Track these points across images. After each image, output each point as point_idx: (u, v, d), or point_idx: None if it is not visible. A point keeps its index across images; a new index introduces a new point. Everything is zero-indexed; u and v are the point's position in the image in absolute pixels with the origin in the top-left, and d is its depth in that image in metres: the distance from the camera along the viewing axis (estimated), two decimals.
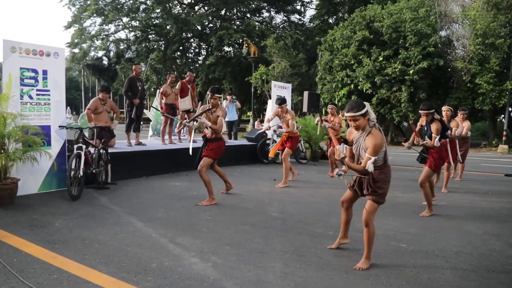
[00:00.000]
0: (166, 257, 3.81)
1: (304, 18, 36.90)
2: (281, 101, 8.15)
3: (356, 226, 4.55)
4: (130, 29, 34.78)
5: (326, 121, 9.53)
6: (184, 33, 33.13)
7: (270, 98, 13.06)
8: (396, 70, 21.07)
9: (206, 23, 33.72)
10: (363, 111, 3.58)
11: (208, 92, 6.32)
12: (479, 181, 9.39)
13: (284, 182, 7.92)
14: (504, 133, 21.08)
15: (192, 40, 35.78)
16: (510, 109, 21.40)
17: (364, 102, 3.68)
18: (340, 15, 32.99)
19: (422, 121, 6.31)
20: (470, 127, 8.98)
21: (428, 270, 3.68)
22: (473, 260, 3.97)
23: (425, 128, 6.22)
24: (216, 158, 6.26)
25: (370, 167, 3.51)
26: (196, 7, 35.28)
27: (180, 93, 10.24)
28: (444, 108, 7.77)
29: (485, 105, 20.50)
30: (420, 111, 6.11)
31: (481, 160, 15.44)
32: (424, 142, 6.04)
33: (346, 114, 3.69)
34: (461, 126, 8.41)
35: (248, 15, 35.71)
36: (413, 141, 6.27)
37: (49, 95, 6.63)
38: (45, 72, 6.55)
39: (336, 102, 23.13)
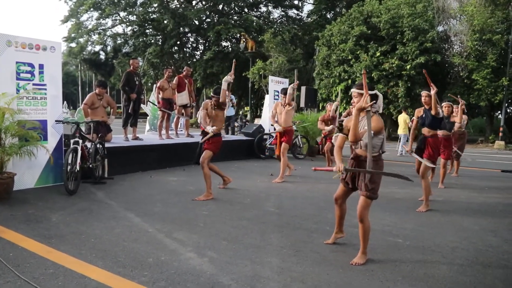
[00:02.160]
0: (162, 252, 3.81)
1: (301, 13, 36.88)
2: (286, 90, 8.29)
3: (352, 221, 4.56)
4: (127, 23, 34.69)
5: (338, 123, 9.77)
6: (181, 28, 33.06)
7: (268, 93, 13.03)
8: (394, 65, 21.08)
9: (204, 18, 33.64)
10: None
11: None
12: (475, 177, 9.42)
13: (281, 177, 7.93)
14: (501, 129, 21.15)
15: (189, 34, 35.70)
16: (506, 105, 21.46)
17: (377, 92, 3.75)
18: (338, 10, 32.97)
19: (419, 112, 6.33)
20: (467, 121, 9.02)
21: (425, 265, 3.69)
22: (469, 255, 3.98)
23: (424, 116, 6.17)
24: (216, 151, 6.40)
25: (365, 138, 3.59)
26: (194, 2, 35.19)
27: (177, 87, 10.21)
28: (444, 104, 7.76)
29: (481, 100, 20.56)
30: (422, 93, 6.16)
31: (478, 156, 15.49)
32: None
33: (352, 89, 3.83)
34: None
35: (246, 10, 35.64)
36: (413, 140, 6.39)
37: (45, 89, 6.59)
38: (41, 66, 6.51)
39: (333, 98, 23.13)
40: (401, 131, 14.75)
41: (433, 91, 5.81)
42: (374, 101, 3.63)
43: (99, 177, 7.10)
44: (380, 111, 3.81)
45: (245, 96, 35.04)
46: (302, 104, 14.55)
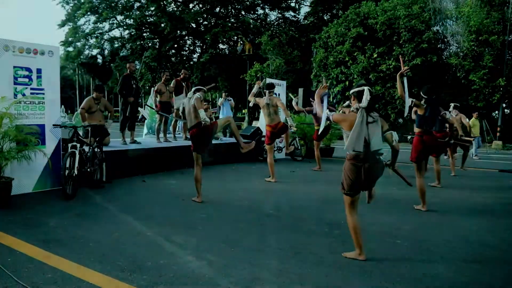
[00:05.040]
0: (161, 255, 3.81)
1: (298, 15, 36.97)
2: (269, 86, 8.28)
3: None
4: (124, 27, 34.76)
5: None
6: (178, 31, 33.13)
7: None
8: (390, 66, 21.14)
9: (201, 21, 33.72)
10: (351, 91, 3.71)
11: None
12: (473, 177, 9.44)
13: (272, 178, 8.00)
14: (498, 129, 21.20)
15: (186, 37, 35.75)
16: (504, 105, 21.51)
17: (364, 88, 3.55)
18: (335, 12, 33.05)
19: None
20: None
21: (423, 265, 3.70)
22: (467, 255, 3.99)
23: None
24: (194, 149, 5.99)
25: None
26: (191, 5, 35.22)
27: (175, 91, 10.22)
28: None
29: (479, 101, 20.63)
30: None
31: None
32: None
33: (351, 91, 3.74)
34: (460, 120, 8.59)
35: (243, 13, 35.69)
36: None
37: (43, 93, 6.59)
38: (39, 71, 6.51)
39: (331, 99, 23.20)
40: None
41: (399, 73, 5.48)
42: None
43: (97, 181, 7.09)
44: (361, 106, 3.53)
45: (243, 98, 35.08)
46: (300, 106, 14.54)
